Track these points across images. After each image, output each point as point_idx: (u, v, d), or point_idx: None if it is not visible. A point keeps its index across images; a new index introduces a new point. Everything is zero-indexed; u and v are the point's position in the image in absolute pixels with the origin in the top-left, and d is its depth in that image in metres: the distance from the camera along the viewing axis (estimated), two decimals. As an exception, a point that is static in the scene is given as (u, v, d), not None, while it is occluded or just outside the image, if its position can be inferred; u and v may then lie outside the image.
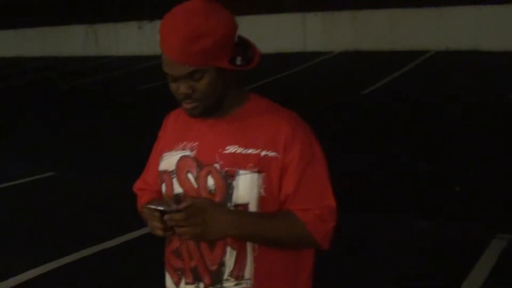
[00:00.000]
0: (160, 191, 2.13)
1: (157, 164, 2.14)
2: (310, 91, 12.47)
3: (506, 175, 6.87)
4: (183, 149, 2.03)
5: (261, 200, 1.93)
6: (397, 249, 5.35)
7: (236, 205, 1.93)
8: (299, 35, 17.48)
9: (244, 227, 1.90)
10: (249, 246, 1.97)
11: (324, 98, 11.62)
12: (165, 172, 2.07)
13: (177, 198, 1.97)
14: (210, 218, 1.86)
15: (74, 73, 18.60)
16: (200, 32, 1.82)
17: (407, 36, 16.00)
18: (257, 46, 2.00)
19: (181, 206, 1.84)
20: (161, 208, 1.89)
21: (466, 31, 15.28)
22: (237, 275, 1.97)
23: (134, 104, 13.03)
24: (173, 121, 2.16)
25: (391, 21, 16.31)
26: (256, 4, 17.54)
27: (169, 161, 2.06)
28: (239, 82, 2.00)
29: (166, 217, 1.86)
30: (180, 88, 1.91)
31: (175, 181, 2.03)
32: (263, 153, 1.93)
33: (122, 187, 7.06)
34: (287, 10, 18.03)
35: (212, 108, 1.96)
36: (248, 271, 1.97)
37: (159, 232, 1.93)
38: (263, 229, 1.92)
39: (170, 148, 2.08)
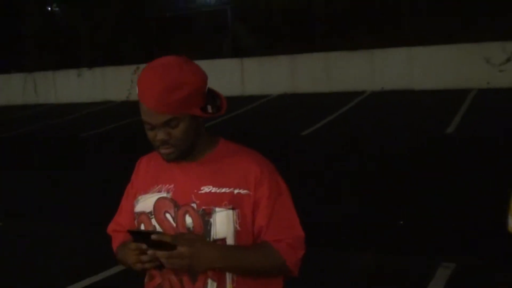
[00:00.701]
0: None
1: (131, 207, 2.30)
2: (252, 133, 12.67)
3: (447, 206, 7.15)
4: (159, 191, 2.20)
5: (237, 234, 2.12)
6: (344, 282, 5.51)
7: (215, 240, 2.11)
8: (237, 79, 17.78)
9: (227, 259, 2.08)
10: (227, 277, 2.13)
11: (265, 140, 11.84)
12: (142, 213, 2.23)
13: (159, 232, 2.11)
14: (198, 252, 2.03)
15: (13, 121, 18.40)
16: (176, 84, 2.01)
17: (343, 78, 16.47)
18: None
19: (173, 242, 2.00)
20: (154, 236, 2.02)
21: (400, 71, 15.83)
22: None
23: (76, 152, 12.99)
24: (145, 166, 2.33)
25: (327, 64, 16.76)
26: (194, 50, 17.79)
27: (145, 203, 2.22)
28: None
29: (150, 252, 2.02)
30: (158, 135, 2.09)
31: (153, 221, 2.19)
32: (236, 191, 2.13)
33: (71, 234, 7.16)
34: (225, 55, 18.37)
35: (186, 152, 2.14)
36: None
37: (139, 266, 2.09)
38: (244, 260, 2.11)
39: (145, 191, 2.24)
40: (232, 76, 17.60)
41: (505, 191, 7.58)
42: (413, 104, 14.08)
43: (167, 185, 2.20)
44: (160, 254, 2.02)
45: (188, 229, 2.13)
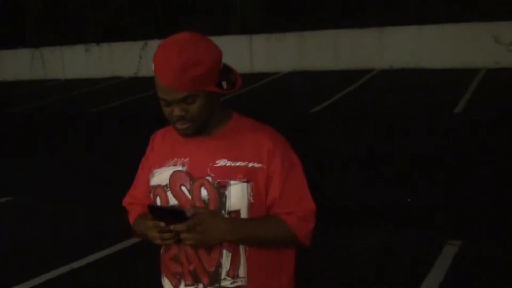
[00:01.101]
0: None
1: (146, 180, 2.36)
2: (260, 110, 12.67)
3: (454, 186, 7.21)
4: (175, 165, 2.26)
5: (251, 206, 2.20)
6: (351, 259, 5.59)
7: (230, 212, 2.19)
8: (246, 57, 17.78)
9: (238, 232, 2.17)
10: (241, 248, 2.22)
11: (274, 117, 11.85)
12: (158, 186, 2.29)
13: (180, 209, 2.16)
14: (210, 227, 2.12)
15: (21, 97, 18.47)
16: (192, 62, 2.06)
17: (351, 56, 16.45)
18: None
19: (189, 215, 2.09)
20: (176, 210, 2.13)
21: (409, 50, 15.79)
22: (233, 275, 2.22)
23: (86, 127, 13.06)
24: (160, 140, 2.39)
25: (336, 42, 16.73)
26: (202, 27, 17.78)
27: (161, 176, 2.28)
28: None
29: (172, 227, 2.10)
30: (174, 111, 2.15)
31: (169, 194, 2.25)
32: (250, 164, 2.20)
33: (79, 213, 7.23)
34: (233, 32, 18.35)
35: (202, 127, 2.21)
36: (242, 270, 2.23)
37: (158, 241, 2.17)
38: (254, 232, 2.19)
39: (161, 164, 2.30)
40: (240, 53, 17.59)
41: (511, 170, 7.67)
42: (421, 83, 14.06)
43: (182, 159, 2.26)
44: (179, 227, 2.10)
45: (204, 201, 2.20)
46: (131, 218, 2.45)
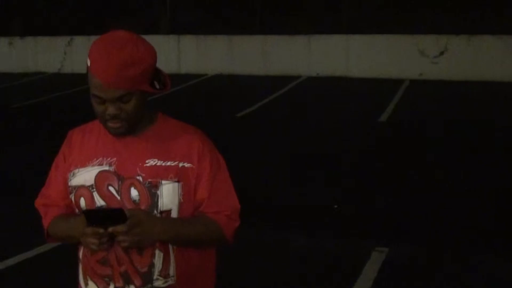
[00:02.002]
0: (67, 205, 2.30)
1: (62, 180, 2.30)
2: (187, 112, 12.56)
3: (378, 192, 7.32)
4: (100, 164, 2.22)
5: (181, 206, 2.20)
6: (276, 264, 5.59)
7: (161, 212, 2.18)
8: (174, 57, 17.64)
9: (171, 232, 2.16)
10: (170, 247, 2.21)
11: (200, 119, 11.78)
12: (81, 187, 2.23)
13: (113, 211, 2.11)
14: (146, 227, 2.09)
15: None
16: (132, 60, 2.05)
17: (279, 62, 16.54)
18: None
19: (128, 218, 2.05)
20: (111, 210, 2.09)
21: (336, 58, 16.00)
22: (165, 274, 2.21)
23: (7, 123, 12.66)
24: (78, 139, 2.32)
25: (264, 47, 16.79)
26: (130, 25, 17.54)
27: (84, 176, 2.23)
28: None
29: (110, 229, 2.05)
30: (109, 110, 2.11)
31: (95, 194, 2.21)
32: (181, 164, 2.20)
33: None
34: (162, 32, 18.17)
35: (134, 126, 2.18)
36: (172, 269, 2.23)
37: (94, 247, 2.11)
38: (186, 232, 2.19)
39: (83, 164, 2.25)
40: (168, 54, 17.43)
41: (435, 175, 7.84)
42: (348, 91, 14.28)
43: (109, 159, 2.22)
44: (120, 228, 2.05)
45: (134, 201, 2.17)
46: (46, 221, 2.35)
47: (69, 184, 2.26)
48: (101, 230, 2.06)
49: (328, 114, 11.96)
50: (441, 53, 14.97)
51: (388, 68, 15.31)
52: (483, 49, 14.70)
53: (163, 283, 2.21)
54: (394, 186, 7.60)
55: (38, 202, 2.39)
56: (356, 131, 10.50)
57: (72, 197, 2.26)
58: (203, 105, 13.61)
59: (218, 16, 18.21)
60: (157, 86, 2.18)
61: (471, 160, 8.65)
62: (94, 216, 2.08)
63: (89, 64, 2.10)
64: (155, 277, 2.21)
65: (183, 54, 17.70)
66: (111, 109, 2.11)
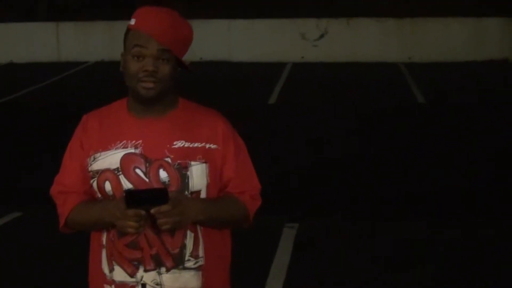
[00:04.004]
0: (86, 192, 2.27)
1: (79, 166, 2.27)
2: (68, 103, 12.25)
3: (277, 172, 7.54)
4: (125, 147, 2.21)
5: (208, 186, 2.24)
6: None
7: (192, 193, 2.21)
8: (53, 45, 17.14)
9: (207, 212, 2.20)
10: (198, 228, 2.24)
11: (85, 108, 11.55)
12: (106, 170, 2.21)
13: (156, 191, 2.12)
14: (186, 208, 2.13)
15: None
16: (180, 25, 2.18)
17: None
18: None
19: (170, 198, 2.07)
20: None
21: (218, 43, 16.12)
22: (195, 255, 2.24)
23: None
24: (96, 123, 2.29)
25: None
26: (5, 11, 16.90)
27: (108, 159, 2.22)
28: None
29: (153, 210, 2.05)
30: (146, 66, 2.14)
31: (122, 177, 2.20)
32: (207, 146, 2.24)
33: None
34: (40, 18, 17.60)
35: (163, 94, 2.20)
36: (201, 250, 2.26)
37: (133, 231, 2.11)
38: (220, 212, 2.25)
39: (104, 147, 2.23)
40: (47, 41, 16.92)
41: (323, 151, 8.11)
42: (232, 75, 14.44)
43: (134, 141, 2.21)
44: (165, 208, 2.06)
45: (164, 183, 2.18)
46: (66, 208, 2.29)
47: (90, 169, 2.24)
48: (143, 212, 2.06)
49: (217, 99, 12.00)
50: (321, 36, 15.46)
51: (270, 51, 15.62)
52: (361, 31, 15.31)
53: (194, 264, 2.24)
54: (288, 165, 7.85)
55: (54, 190, 2.34)
56: (248, 115, 10.67)
57: (94, 182, 2.23)
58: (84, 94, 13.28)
59: (97, 2, 17.82)
60: (187, 67, 2.24)
61: (357, 135, 9.06)
62: (136, 197, 2.06)
63: (133, 23, 2.17)
64: (186, 258, 2.22)
65: (63, 41, 17.22)
66: (148, 65, 2.13)
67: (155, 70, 2.14)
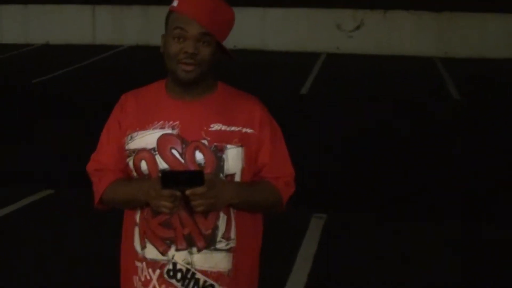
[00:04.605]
0: (122, 170, 2.30)
1: (115, 144, 2.29)
2: (102, 86, 12.36)
3: (312, 161, 7.51)
4: (162, 128, 2.23)
5: (243, 170, 2.25)
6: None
7: (226, 176, 2.22)
8: (89, 28, 17.27)
9: (242, 195, 2.22)
10: (231, 210, 2.26)
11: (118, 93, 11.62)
12: (143, 149, 2.24)
13: (192, 173, 2.14)
14: (221, 191, 2.14)
15: None
16: (223, 9, 2.20)
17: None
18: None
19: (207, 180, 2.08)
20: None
21: (253, 31, 16.08)
22: (227, 237, 2.26)
23: None
24: (133, 103, 2.32)
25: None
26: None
27: (145, 139, 2.24)
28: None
29: (188, 192, 2.07)
30: (186, 47, 2.16)
31: (158, 157, 2.22)
32: (244, 130, 2.25)
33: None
34: (77, 1, 17.73)
35: (202, 77, 2.22)
36: (232, 232, 2.27)
37: (167, 211, 2.13)
38: (254, 196, 2.26)
39: (142, 127, 2.25)
40: (82, 24, 17.05)
41: (366, 146, 8.10)
42: (266, 64, 14.39)
43: (171, 122, 2.23)
44: (200, 190, 2.08)
45: (199, 164, 2.20)
46: (102, 185, 2.32)
47: (127, 147, 2.27)
48: (178, 193, 2.08)
49: (248, 87, 12.00)
50: (357, 27, 15.36)
51: (305, 41, 15.56)
52: (398, 24, 15.17)
53: (225, 245, 2.26)
54: (323, 156, 7.83)
55: (91, 167, 2.37)
56: (279, 104, 10.64)
57: (130, 160, 2.26)
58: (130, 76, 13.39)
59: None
60: (228, 52, 2.26)
61: (389, 129, 9.00)
62: (172, 178, 2.08)
63: (175, 5, 2.20)
64: (218, 239, 2.24)
65: (98, 24, 17.34)
66: (188, 47, 2.15)
67: (195, 53, 2.16)
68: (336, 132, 8.94)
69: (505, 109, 10.27)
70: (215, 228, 2.24)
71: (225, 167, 2.22)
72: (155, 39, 15.29)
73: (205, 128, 2.22)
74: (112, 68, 14.28)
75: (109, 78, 12.76)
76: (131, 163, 2.27)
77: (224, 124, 2.23)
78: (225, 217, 2.25)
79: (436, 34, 15.29)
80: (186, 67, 2.17)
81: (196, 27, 2.15)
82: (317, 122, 9.54)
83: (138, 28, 16.97)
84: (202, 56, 2.17)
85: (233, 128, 2.24)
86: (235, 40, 15.98)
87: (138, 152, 2.25)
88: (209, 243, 2.24)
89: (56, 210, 6.18)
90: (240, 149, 2.23)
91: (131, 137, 2.26)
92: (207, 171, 2.18)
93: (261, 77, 12.97)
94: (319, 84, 12.31)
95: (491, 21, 15.24)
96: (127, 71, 13.57)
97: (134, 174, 2.28)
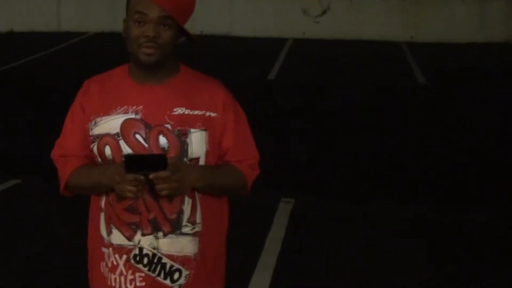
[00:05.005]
0: (86, 156, 2.30)
1: (80, 130, 2.29)
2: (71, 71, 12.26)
3: (279, 145, 7.55)
4: (126, 112, 2.23)
5: (207, 154, 2.26)
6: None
7: (191, 159, 2.23)
8: (54, 15, 17.05)
9: (206, 179, 2.22)
10: (196, 194, 2.26)
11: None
12: (106, 135, 2.24)
13: (156, 157, 2.14)
14: (185, 174, 2.14)
15: None
16: None
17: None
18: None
19: (170, 164, 2.08)
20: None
21: (219, 17, 16.04)
22: (192, 221, 2.27)
23: None
24: (98, 88, 2.31)
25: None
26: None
27: (108, 124, 2.24)
28: None
29: (152, 175, 2.07)
30: (147, 31, 2.15)
31: (121, 142, 2.22)
32: (207, 114, 2.25)
33: None
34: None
35: (163, 61, 2.21)
36: (198, 216, 2.28)
37: (131, 195, 2.13)
38: (218, 179, 2.26)
39: (106, 112, 2.25)
40: (47, 10, 16.83)
41: (334, 130, 8.15)
42: (234, 50, 14.37)
43: (135, 107, 2.23)
44: (163, 174, 2.08)
45: (163, 149, 2.21)
46: (66, 171, 2.32)
47: (91, 133, 2.26)
48: (142, 177, 2.08)
49: (216, 73, 11.94)
50: (323, 12, 15.40)
51: (271, 27, 15.56)
52: (364, 9, 15.24)
53: (191, 230, 2.26)
54: (287, 141, 7.87)
55: (55, 153, 2.36)
56: (247, 90, 10.65)
57: (94, 146, 2.26)
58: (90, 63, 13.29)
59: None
60: (190, 35, 2.24)
61: (355, 113, 9.07)
62: (136, 162, 2.08)
63: None
64: (183, 223, 2.25)
65: (63, 10, 17.12)
66: (149, 31, 2.13)
67: (155, 36, 2.15)
68: (304, 116, 8.98)
69: (470, 93, 10.40)
70: (180, 212, 2.25)
71: (189, 151, 2.22)
72: (121, 26, 15.30)
73: (168, 112, 2.22)
74: (78, 55, 14.13)
75: (74, 65, 12.63)
76: (95, 149, 2.27)
77: (187, 108, 2.24)
78: (190, 201, 2.26)
79: (402, 19, 15.39)
80: (147, 50, 2.16)
81: (156, 10, 2.13)
82: (285, 107, 9.56)
83: (104, 15, 16.79)
84: (163, 39, 2.16)
85: (196, 112, 2.24)
86: (202, 25, 15.96)
87: (102, 137, 2.25)
88: (175, 228, 2.25)
89: (24, 199, 6.14)
90: (204, 132, 2.24)
91: (95, 123, 2.26)
92: (171, 155, 2.18)
93: (229, 63, 12.94)
94: (286, 69, 12.32)
95: (457, 5, 15.39)
96: (92, 58, 13.43)
97: (99, 159, 2.28)
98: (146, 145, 2.21)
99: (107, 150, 2.24)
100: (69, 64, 12.91)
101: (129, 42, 2.20)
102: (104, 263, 2.31)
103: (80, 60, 13.27)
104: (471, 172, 6.90)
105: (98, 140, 2.25)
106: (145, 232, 2.25)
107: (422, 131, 8.40)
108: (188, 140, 2.22)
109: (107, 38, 15.99)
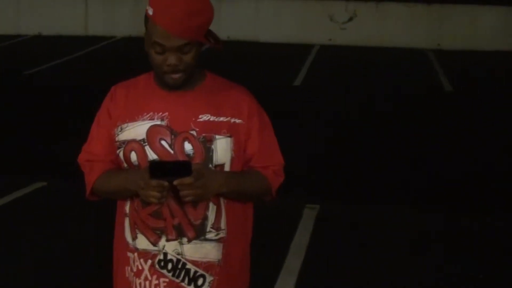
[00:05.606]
0: (112, 161, 2.32)
1: (106, 136, 2.31)
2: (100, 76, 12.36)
3: (304, 151, 7.53)
4: (151, 119, 2.24)
5: (232, 160, 2.26)
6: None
7: (216, 166, 2.23)
8: (81, 19, 17.19)
9: (230, 185, 2.22)
10: (221, 200, 2.27)
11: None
12: (132, 141, 2.25)
13: (180, 164, 2.14)
14: (209, 181, 2.15)
15: None
16: (198, 10, 2.10)
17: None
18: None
19: (194, 171, 2.08)
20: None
21: (246, 22, 16.07)
22: (217, 227, 2.27)
23: None
24: (123, 94, 2.33)
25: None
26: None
27: (134, 130, 2.26)
28: None
29: (176, 182, 2.08)
30: (169, 60, 2.15)
31: (147, 148, 2.24)
32: (232, 120, 2.26)
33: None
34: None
35: (189, 79, 2.22)
36: (223, 222, 2.29)
37: (155, 201, 2.13)
38: (243, 185, 2.27)
39: (132, 118, 2.27)
40: (75, 15, 16.98)
41: (360, 137, 8.12)
42: (259, 56, 14.38)
43: (160, 113, 2.25)
44: (187, 181, 2.08)
45: (188, 155, 2.22)
46: (92, 176, 2.34)
47: (117, 139, 2.28)
48: (166, 183, 2.09)
49: (242, 79, 11.97)
50: (350, 19, 15.37)
51: (297, 33, 15.55)
52: (390, 16, 15.18)
53: (215, 236, 2.27)
54: (311, 147, 7.84)
55: (82, 158, 2.39)
56: (273, 96, 10.64)
57: (120, 151, 2.28)
58: (114, 68, 13.38)
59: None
60: (212, 41, 2.23)
61: (381, 120, 9.03)
62: (160, 168, 2.09)
63: (151, 13, 2.13)
64: (208, 229, 2.26)
65: (91, 15, 17.26)
66: (171, 59, 2.14)
67: (177, 64, 2.16)
68: (330, 123, 8.95)
69: (495, 101, 10.30)
70: (205, 218, 2.25)
71: (214, 157, 2.23)
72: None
73: (193, 119, 2.23)
74: (104, 59, 14.24)
75: (101, 69, 12.73)
76: (121, 154, 2.28)
77: (212, 114, 2.25)
78: (215, 207, 2.27)
79: (428, 26, 15.30)
80: (173, 75, 2.19)
81: (174, 41, 2.12)
82: (311, 113, 9.54)
83: (131, 19, 16.89)
84: (185, 62, 2.17)
85: (221, 119, 2.25)
86: (228, 31, 16.02)
87: (128, 143, 2.26)
88: (199, 233, 2.26)
89: (49, 202, 6.18)
90: (229, 139, 2.25)
91: (121, 129, 2.28)
92: (196, 161, 2.19)
93: (255, 69, 12.96)
94: (313, 76, 12.30)
95: (483, 13, 15.27)
96: (119, 63, 13.53)
97: (125, 165, 2.29)
98: (172, 151, 2.22)
99: (133, 156, 2.25)
100: (96, 68, 13.01)
101: (153, 66, 2.21)
102: (129, 268, 2.32)
103: (107, 64, 13.37)
104: (498, 180, 6.83)
105: (124, 146, 2.27)
106: (169, 237, 2.26)
107: (449, 139, 8.33)
108: (213, 146, 2.23)
109: (134, 43, 16.08)
